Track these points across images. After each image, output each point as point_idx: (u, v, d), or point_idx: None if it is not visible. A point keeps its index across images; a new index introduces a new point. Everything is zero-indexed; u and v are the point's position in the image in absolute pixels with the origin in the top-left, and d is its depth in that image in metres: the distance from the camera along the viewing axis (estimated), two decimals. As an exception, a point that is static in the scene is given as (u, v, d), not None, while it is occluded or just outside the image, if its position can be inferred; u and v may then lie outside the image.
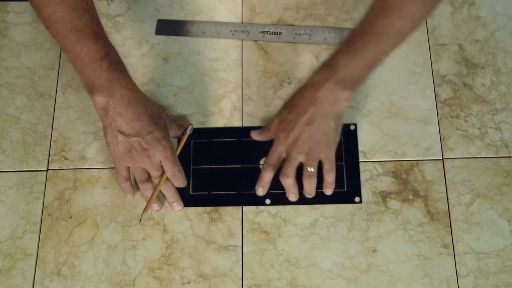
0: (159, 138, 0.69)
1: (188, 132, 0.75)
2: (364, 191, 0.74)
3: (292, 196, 0.72)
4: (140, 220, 0.73)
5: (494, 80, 0.79)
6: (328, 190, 0.73)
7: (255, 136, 0.75)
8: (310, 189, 0.71)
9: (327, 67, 0.68)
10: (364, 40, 0.66)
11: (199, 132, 0.77)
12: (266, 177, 0.72)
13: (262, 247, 0.71)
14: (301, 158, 0.69)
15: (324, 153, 0.70)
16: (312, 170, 0.69)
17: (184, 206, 0.73)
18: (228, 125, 0.78)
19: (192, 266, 0.71)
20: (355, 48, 0.67)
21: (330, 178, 0.71)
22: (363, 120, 0.77)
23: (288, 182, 0.70)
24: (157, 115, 0.70)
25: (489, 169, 0.74)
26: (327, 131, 0.69)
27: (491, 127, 0.76)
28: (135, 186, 0.74)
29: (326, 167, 0.71)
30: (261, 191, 0.72)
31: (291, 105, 0.72)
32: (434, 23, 0.82)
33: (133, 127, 0.67)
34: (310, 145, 0.68)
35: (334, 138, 0.70)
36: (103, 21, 0.83)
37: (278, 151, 0.71)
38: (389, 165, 0.75)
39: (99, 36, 0.67)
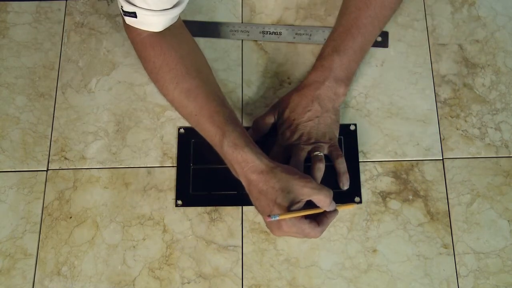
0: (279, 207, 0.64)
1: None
2: (364, 191, 0.74)
3: None
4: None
5: (494, 80, 0.79)
6: (345, 183, 0.72)
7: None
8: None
9: (322, 68, 0.73)
10: (353, 35, 0.73)
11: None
12: None
13: (262, 247, 0.71)
14: (308, 148, 0.71)
15: (329, 143, 0.72)
16: (320, 154, 0.70)
17: (184, 206, 0.73)
18: (228, 125, 0.77)
19: (192, 266, 0.71)
20: (345, 47, 0.73)
21: (342, 166, 0.71)
22: (363, 120, 0.77)
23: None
24: (286, 188, 0.63)
25: (489, 169, 0.74)
26: (330, 124, 0.72)
27: (491, 127, 0.76)
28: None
29: (335, 155, 0.71)
30: None
31: (292, 104, 0.73)
32: (434, 23, 0.82)
33: (259, 204, 0.65)
34: (316, 137, 0.71)
35: (336, 129, 0.73)
36: (103, 21, 0.83)
37: (283, 148, 0.72)
38: (389, 165, 0.75)
39: (215, 115, 0.67)
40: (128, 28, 0.71)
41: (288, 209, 0.62)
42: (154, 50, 0.70)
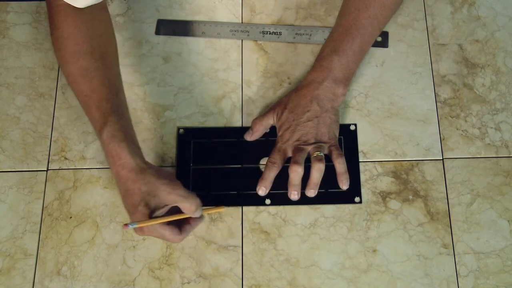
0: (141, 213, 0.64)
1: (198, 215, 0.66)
2: (364, 191, 0.74)
3: (295, 194, 0.71)
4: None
5: (494, 80, 0.79)
6: (345, 183, 0.72)
7: (248, 137, 0.76)
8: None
9: (321, 68, 0.73)
10: (352, 36, 0.72)
11: (199, 132, 0.77)
12: (270, 175, 0.72)
13: (262, 247, 0.71)
14: (308, 148, 0.71)
15: (329, 143, 0.71)
16: (320, 154, 0.70)
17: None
18: (228, 125, 0.78)
19: (192, 266, 0.71)
20: (344, 47, 0.72)
21: (342, 166, 0.71)
22: (363, 120, 0.77)
23: (299, 171, 0.69)
24: (152, 192, 0.64)
25: (489, 169, 0.74)
26: (330, 124, 0.72)
27: (491, 127, 0.76)
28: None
29: (335, 155, 0.71)
30: (263, 191, 0.72)
31: (291, 105, 0.73)
32: (434, 23, 0.82)
33: (125, 202, 0.66)
34: (316, 137, 0.71)
35: (336, 129, 0.73)
36: (103, 21, 0.83)
37: (283, 149, 0.71)
38: (389, 165, 0.75)
39: (104, 101, 0.66)
40: None
41: (151, 214, 0.63)
42: (66, 20, 0.69)
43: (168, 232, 0.65)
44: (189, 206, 0.65)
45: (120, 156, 0.64)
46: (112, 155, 0.65)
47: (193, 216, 0.67)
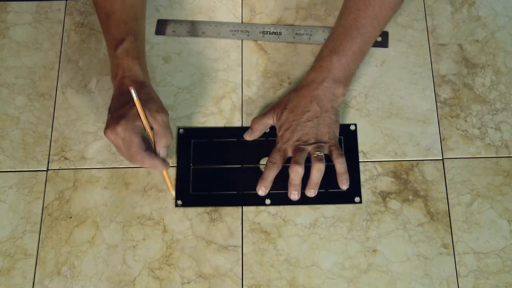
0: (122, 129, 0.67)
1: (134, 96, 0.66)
2: (364, 191, 0.74)
3: (295, 194, 0.72)
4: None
5: (494, 80, 0.79)
6: (345, 183, 0.72)
7: (247, 136, 0.76)
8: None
9: (321, 68, 0.73)
10: (352, 36, 0.73)
11: (199, 132, 0.77)
12: (271, 175, 0.72)
13: (262, 247, 0.71)
14: (309, 148, 0.71)
15: (329, 143, 0.71)
16: (321, 154, 0.70)
17: (184, 206, 0.73)
18: (228, 125, 0.78)
19: (192, 266, 0.71)
20: (344, 48, 0.73)
21: (342, 166, 0.71)
22: (363, 120, 0.77)
23: (300, 171, 0.69)
24: (146, 101, 0.68)
25: (489, 169, 0.74)
26: (329, 124, 0.72)
27: (491, 127, 0.76)
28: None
29: (335, 155, 0.71)
30: (263, 191, 0.72)
31: (291, 105, 0.73)
32: (434, 23, 0.82)
33: (117, 99, 0.69)
34: (316, 137, 0.71)
35: (336, 129, 0.73)
36: (103, 21, 0.83)
37: (283, 149, 0.71)
38: (389, 165, 0.75)
39: (122, 23, 0.71)
40: None
41: (134, 123, 0.66)
42: None
43: (139, 140, 0.67)
44: (164, 137, 0.68)
45: (131, 69, 0.69)
46: (123, 68, 0.69)
47: (158, 149, 0.69)
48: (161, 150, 0.70)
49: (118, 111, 0.67)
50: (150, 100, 0.68)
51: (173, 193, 0.74)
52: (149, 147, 0.69)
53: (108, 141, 0.76)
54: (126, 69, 0.69)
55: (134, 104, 0.65)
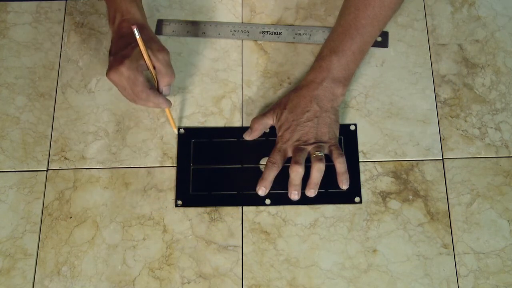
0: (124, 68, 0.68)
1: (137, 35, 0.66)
2: (364, 191, 0.74)
3: (295, 194, 0.72)
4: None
5: (494, 80, 0.79)
6: (345, 183, 0.72)
7: (247, 136, 0.76)
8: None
9: (320, 68, 0.73)
10: (351, 36, 0.73)
11: (199, 132, 0.77)
12: (271, 175, 0.72)
13: (262, 247, 0.71)
14: (309, 148, 0.71)
15: (330, 143, 0.71)
16: (321, 154, 0.70)
17: (184, 206, 0.73)
18: (228, 125, 0.78)
19: (192, 266, 0.71)
20: (344, 48, 0.73)
21: (342, 166, 0.71)
22: (363, 120, 0.77)
23: (300, 171, 0.69)
24: (146, 41, 0.68)
25: (489, 169, 0.74)
26: (329, 124, 0.72)
27: (491, 127, 0.76)
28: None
29: (335, 154, 0.71)
30: (263, 191, 0.72)
31: (291, 105, 0.73)
32: (434, 23, 0.82)
33: (118, 41, 0.69)
34: (316, 137, 0.71)
35: (336, 129, 0.73)
36: (103, 21, 0.83)
37: (283, 149, 0.71)
38: (389, 165, 0.75)
39: None
40: None
41: (138, 62, 0.67)
42: None
43: (143, 79, 0.68)
44: (167, 76, 0.70)
45: (130, 11, 0.70)
46: (122, 11, 0.70)
47: (161, 87, 0.71)
48: (164, 88, 0.71)
49: (121, 52, 0.68)
50: (151, 40, 0.69)
51: (176, 130, 0.76)
52: (153, 87, 0.70)
53: (109, 142, 0.76)
54: (124, 12, 0.70)
55: (136, 45, 0.66)
